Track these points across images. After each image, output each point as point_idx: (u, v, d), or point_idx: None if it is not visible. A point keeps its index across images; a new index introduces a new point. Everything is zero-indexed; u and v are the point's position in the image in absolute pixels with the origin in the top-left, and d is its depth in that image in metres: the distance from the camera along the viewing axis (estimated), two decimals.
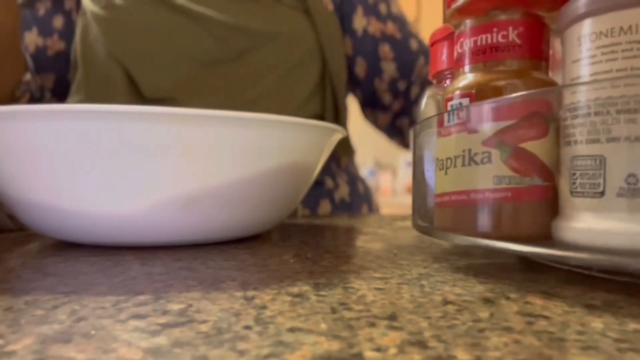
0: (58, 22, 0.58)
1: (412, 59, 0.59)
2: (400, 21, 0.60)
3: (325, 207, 0.56)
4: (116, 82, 0.50)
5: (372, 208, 0.63)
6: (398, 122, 0.63)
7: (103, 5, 0.51)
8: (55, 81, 0.58)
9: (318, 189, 0.56)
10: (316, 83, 0.54)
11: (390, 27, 0.59)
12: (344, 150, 0.57)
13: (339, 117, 0.56)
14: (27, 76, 0.53)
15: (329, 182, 0.57)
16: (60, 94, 0.58)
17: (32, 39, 0.56)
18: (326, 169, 0.57)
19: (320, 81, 0.54)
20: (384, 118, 0.63)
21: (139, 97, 0.50)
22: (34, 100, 0.55)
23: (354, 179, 0.61)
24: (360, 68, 0.59)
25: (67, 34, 0.57)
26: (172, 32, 0.50)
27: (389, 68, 0.58)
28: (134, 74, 0.50)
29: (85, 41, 0.52)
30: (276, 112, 0.26)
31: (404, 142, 0.65)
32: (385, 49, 0.58)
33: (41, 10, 0.57)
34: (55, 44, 0.57)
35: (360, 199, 0.60)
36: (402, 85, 0.59)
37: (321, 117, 0.55)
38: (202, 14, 0.50)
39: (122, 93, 0.50)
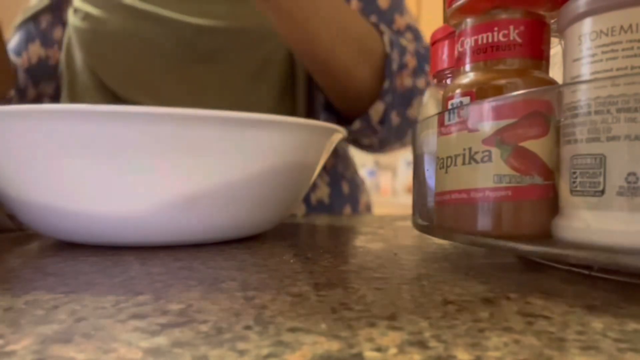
0: (58, 33, 0.60)
1: None
2: (368, 1, 0.54)
3: (299, 209, 0.55)
4: (92, 90, 0.52)
5: (357, 209, 0.60)
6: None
7: (81, 18, 0.53)
8: (55, 89, 0.60)
9: None
10: (287, 80, 0.52)
11: (353, 5, 0.54)
12: None
13: (312, 112, 0.53)
14: (11, 93, 0.55)
15: None
16: (59, 101, 0.60)
17: (35, 50, 0.59)
18: None
19: (290, 78, 0.52)
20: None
21: (114, 103, 0.51)
22: None
23: (337, 180, 0.59)
24: None
25: None
26: (141, 39, 0.51)
27: None
28: (105, 81, 0.51)
29: (69, 52, 0.55)
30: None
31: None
32: None
33: (43, 23, 0.60)
34: (56, 54, 0.59)
35: (342, 200, 0.58)
36: None
37: (292, 114, 0.53)
38: (168, 17, 0.50)
39: (98, 101, 0.52)
